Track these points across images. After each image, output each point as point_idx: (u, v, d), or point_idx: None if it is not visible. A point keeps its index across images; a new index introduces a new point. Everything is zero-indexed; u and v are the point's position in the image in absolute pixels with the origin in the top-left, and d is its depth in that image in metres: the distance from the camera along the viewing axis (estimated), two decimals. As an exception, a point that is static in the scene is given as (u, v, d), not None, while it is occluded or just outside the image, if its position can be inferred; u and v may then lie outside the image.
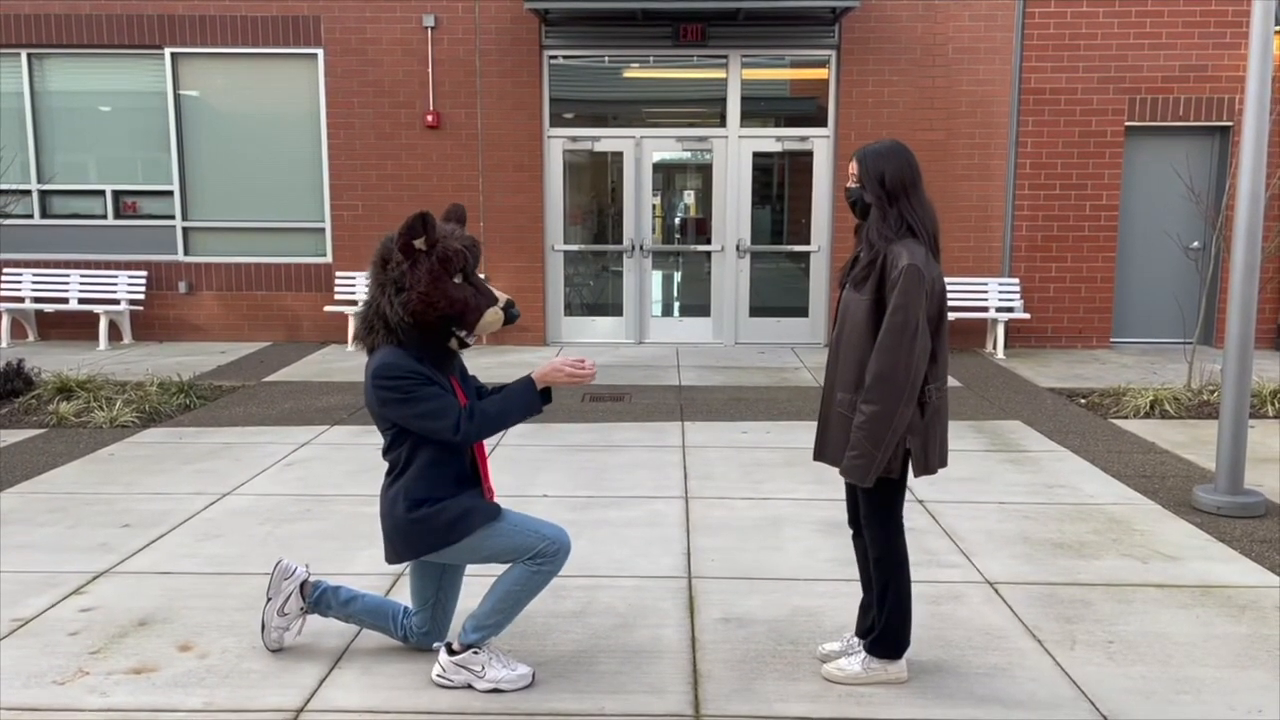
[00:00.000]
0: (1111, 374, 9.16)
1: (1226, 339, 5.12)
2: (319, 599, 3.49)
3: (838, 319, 3.20)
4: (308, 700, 3.19)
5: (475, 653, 3.25)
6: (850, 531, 3.48)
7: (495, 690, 3.22)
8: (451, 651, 3.27)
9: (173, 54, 10.53)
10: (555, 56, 10.52)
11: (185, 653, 3.53)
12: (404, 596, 3.96)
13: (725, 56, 10.45)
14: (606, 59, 10.57)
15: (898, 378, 2.95)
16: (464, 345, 3.22)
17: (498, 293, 3.22)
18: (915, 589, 4.12)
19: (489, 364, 9.50)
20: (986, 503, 5.30)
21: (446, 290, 3.08)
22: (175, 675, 3.36)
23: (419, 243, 3.07)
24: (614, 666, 3.42)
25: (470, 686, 3.24)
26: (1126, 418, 7.36)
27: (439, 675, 3.28)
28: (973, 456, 6.24)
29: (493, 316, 3.17)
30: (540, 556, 3.18)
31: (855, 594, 4.06)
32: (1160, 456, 6.26)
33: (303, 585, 3.49)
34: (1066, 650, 3.57)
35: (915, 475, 3.14)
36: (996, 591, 4.10)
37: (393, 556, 3.25)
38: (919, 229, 3.02)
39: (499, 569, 3.73)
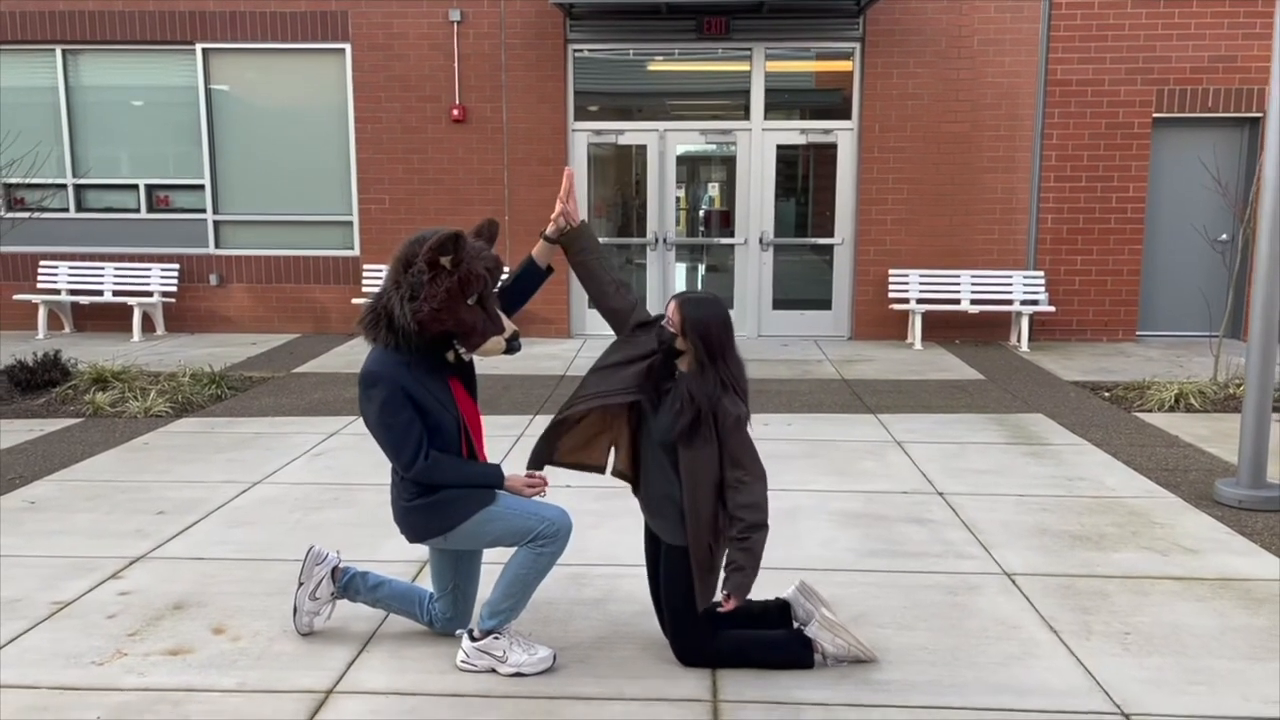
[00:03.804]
0: (1136, 367, 9.11)
1: (1250, 332, 5.12)
2: (348, 584, 3.59)
3: (681, 478, 3.20)
4: (337, 682, 3.29)
5: (496, 638, 3.34)
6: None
7: (518, 674, 3.31)
8: (473, 638, 3.36)
9: (204, 49, 10.69)
10: (580, 50, 10.58)
11: (219, 635, 3.64)
12: (430, 583, 4.05)
13: (749, 49, 10.47)
14: (631, 52, 10.62)
15: (765, 500, 3.18)
16: (460, 360, 3.30)
17: (507, 322, 3.29)
18: (934, 580, 4.17)
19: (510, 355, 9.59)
20: (1006, 495, 5.33)
21: (457, 312, 3.16)
22: (210, 656, 3.47)
23: (445, 260, 3.13)
24: (633, 653, 3.50)
25: (493, 670, 3.33)
26: (1150, 411, 7.34)
27: (463, 661, 3.37)
28: (993, 449, 6.26)
29: (494, 345, 3.26)
30: (541, 538, 3.26)
31: (871, 583, 4.11)
32: (1183, 450, 6.25)
33: (333, 571, 3.59)
34: (1082, 640, 3.60)
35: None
36: (1013, 582, 4.14)
37: (407, 535, 3.37)
38: (734, 386, 3.20)
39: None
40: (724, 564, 3.18)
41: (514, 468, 5.81)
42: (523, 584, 3.30)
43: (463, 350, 3.25)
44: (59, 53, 10.79)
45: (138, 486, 5.47)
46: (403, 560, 4.35)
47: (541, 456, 3.42)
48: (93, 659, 3.45)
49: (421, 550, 4.42)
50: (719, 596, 3.20)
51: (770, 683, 3.28)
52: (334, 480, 5.59)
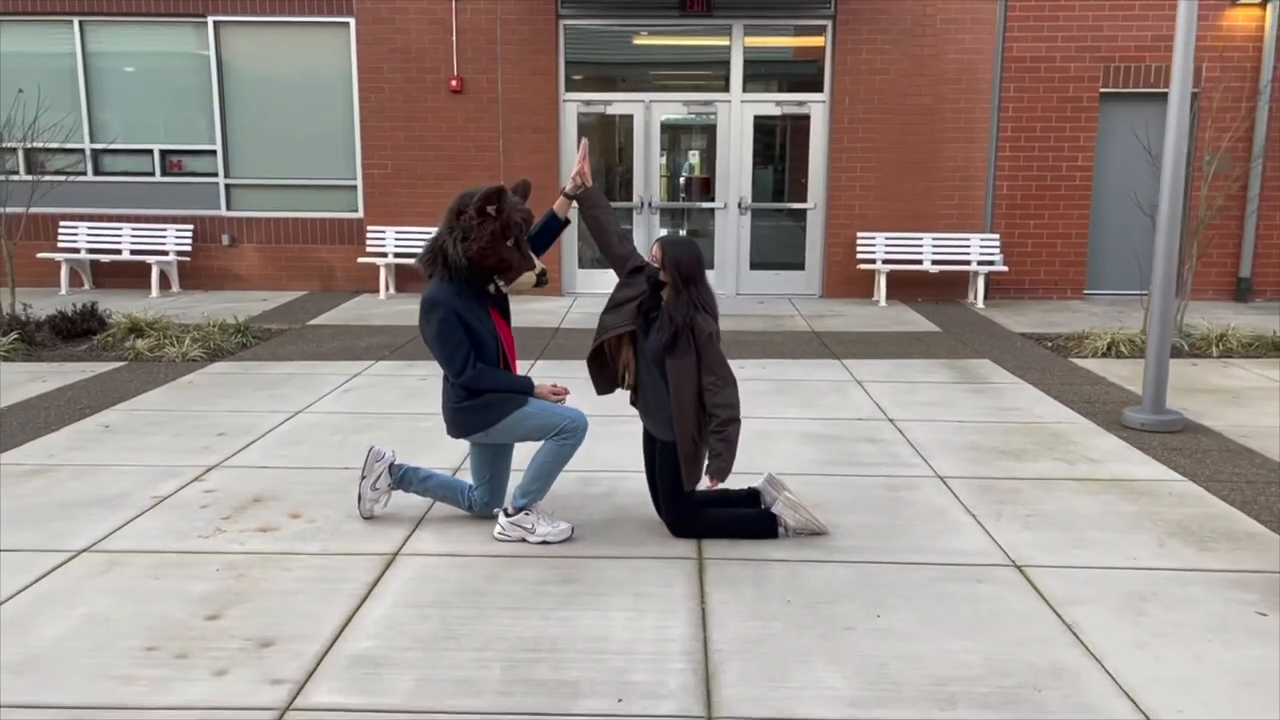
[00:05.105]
0: (1080, 321, 10.03)
1: (1153, 283, 6.00)
2: (403, 477, 4.42)
3: (669, 384, 4.00)
4: (400, 548, 4.13)
5: (526, 514, 4.19)
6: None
7: (544, 543, 4.16)
8: (507, 514, 4.21)
9: (215, 22, 11.32)
10: (570, 24, 11.29)
11: (296, 519, 4.46)
12: (466, 478, 4.88)
13: (729, 25, 11.22)
14: (617, 26, 11.34)
15: (736, 400, 3.99)
16: (499, 291, 4.13)
17: (538, 261, 4.13)
18: (880, 480, 5.05)
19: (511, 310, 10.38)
20: (947, 421, 6.21)
21: (500, 250, 3.99)
22: (293, 533, 4.30)
23: (491, 209, 3.94)
24: (635, 530, 4.35)
25: (524, 540, 4.18)
26: (1085, 357, 8.25)
27: (499, 533, 4.21)
28: (941, 387, 7.15)
29: (527, 279, 4.14)
30: (564, 432, 4.10)
31: (827, 484, 4.98)
32: (1106, 388, 7.17)
33: (390, 466, 4.42)
34: (994, 521, 4.50)
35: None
36: (944, 483, 5.03)
37: (453, 432, 4.19)
38: (705, 307, 4.00)
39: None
40: (708, 454, 4.03)
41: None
42: (548, 470, 4.14)
43: (501, 283, 4.08)
44: (76, 23, 11.38)
45: (195, 415, 6.26)
46: (440, 469, 5.17)
47: (604, 388, 4.28)
48: (199, 534, 4.27)
49: (454, 460, 5.25)
50: (704, 482, 4.05)
51: (744, 547, 4.15)
52: (367, 410, 6.40)
